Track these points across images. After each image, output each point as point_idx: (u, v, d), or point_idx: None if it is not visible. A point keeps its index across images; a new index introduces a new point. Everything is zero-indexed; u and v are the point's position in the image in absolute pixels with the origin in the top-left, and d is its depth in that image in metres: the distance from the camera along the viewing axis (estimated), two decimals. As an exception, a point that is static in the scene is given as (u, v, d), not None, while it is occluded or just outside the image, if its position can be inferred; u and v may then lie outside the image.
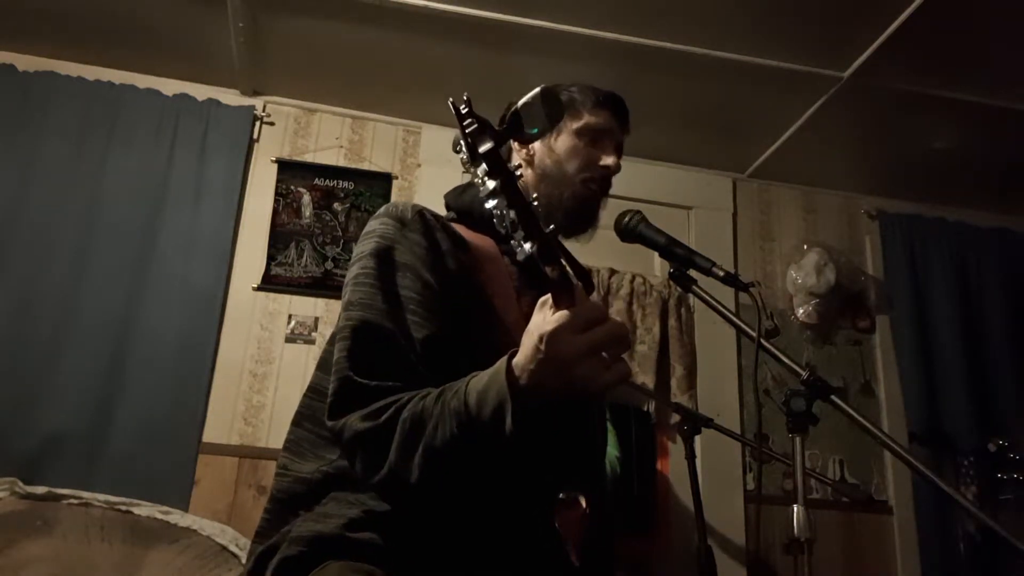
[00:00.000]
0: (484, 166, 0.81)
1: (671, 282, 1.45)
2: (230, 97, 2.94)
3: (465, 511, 1.00)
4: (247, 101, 2.95)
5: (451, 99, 0.85)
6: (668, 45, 2.51)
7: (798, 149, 3.03)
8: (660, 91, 2.75)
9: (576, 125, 1.32)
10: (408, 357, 1.02)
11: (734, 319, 1.30)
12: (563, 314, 0.83)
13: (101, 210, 2.68)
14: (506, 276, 1.18)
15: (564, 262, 0.84)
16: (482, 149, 0.81)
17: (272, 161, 2.92)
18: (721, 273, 1.30)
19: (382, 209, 1.19)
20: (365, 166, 2.99)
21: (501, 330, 1.10)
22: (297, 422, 1.16)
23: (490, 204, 0.81)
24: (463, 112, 0.83)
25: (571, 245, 1.19)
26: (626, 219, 1.39)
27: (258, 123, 2.95)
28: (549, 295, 0.85)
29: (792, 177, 3.26)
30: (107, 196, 2.70)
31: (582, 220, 1.31)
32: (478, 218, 1.24)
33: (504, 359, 0.89)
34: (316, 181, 2.92)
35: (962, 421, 2.96)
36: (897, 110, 2.75)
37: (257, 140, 2.94)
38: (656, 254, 1.39)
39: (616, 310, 2.85)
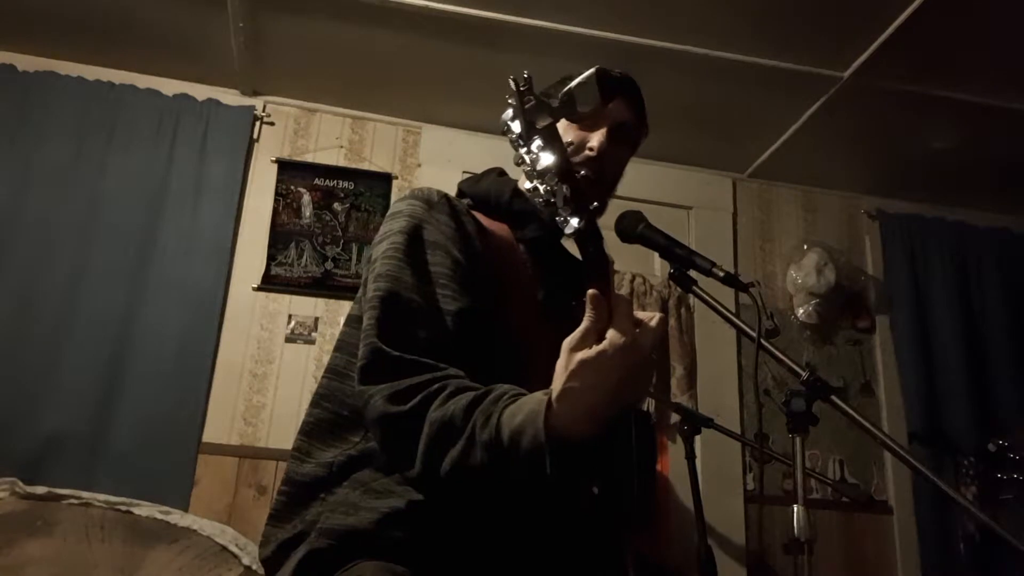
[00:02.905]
0: (539, 141, 0.83)
1: (671, 282, 1.45)
2: (230, 97, 2.94)
3: (496, 509, 0.99)
4: (247, 101, 2.95)
5: (512, 77, 0.86)
6: (668, 45, 2.51)
7: (798, 149, 3.03)
8: (660, 91, 2.72)
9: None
10: (436, 331, 1.02)
11: (734, 319, 1.30)
12: (599, 348, 0.81)
13: (101, 210, 2.68)
14: (522, 263, 1.19)
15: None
16: (540, 125, 0.83)
17: (272, 161, 2.92)
18: (721, 273, 1.29)
19: (408, 192, 1.21)
20: (365, 166, 2.99)
21: (518, 316, 1.11)
22: (316, 403, 1.15)
23: (539, 181, 0.82)
24: (523, 89, 0.85)
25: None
26: (626, 219, 1.39)
27: (258, 123, 2.95)
28: (587, 298, 0.83)
29: (792, 177, 3.26)
30: (107, 196, 2.70)
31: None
32: (494, 205, 1.25)
33: (543, 400, 0.85)
34: (316, 181, 2.92)
35: (962, 421, 2.96)
36: (897, 110, 2.75)
37: (257, 140, 2.94)
38: (656, 254, 1.38)
39: (616, 310, 2.85)
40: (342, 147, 3.00)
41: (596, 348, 0.81)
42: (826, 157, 3.11)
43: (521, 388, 0.93)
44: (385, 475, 1.02)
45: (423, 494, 0.99)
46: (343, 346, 1.16)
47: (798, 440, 1.23)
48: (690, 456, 2.25)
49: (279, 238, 2.84)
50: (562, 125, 1.29)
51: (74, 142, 2.73)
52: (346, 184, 2.93)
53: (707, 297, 1.32)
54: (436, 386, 0.95)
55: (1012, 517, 2.77)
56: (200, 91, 2.90)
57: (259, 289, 2.77)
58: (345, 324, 1.18)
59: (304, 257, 2.83)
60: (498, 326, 1.08)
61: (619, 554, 1.17)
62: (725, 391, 2.93)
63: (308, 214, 2.88)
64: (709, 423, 2.26)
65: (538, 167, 0.83)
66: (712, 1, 2.34)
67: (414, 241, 1.10)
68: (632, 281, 2.90)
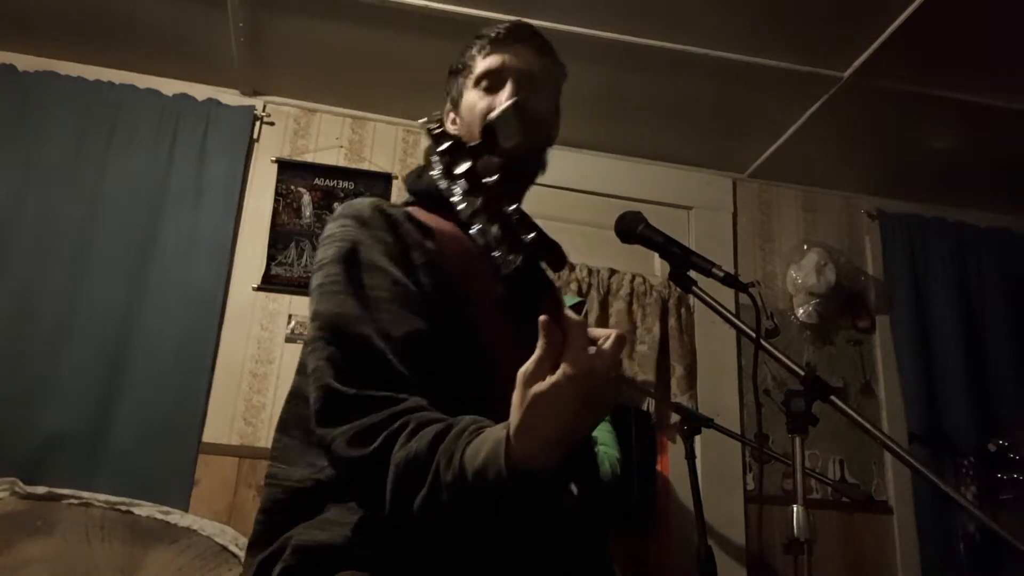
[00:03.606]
0: (462, 184, 0.79)
1: (671, 282, 1.45)
2: (230, 97, 2.94)
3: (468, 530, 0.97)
4: (247, 101, 2.95)
5: (421, 120, 0.83)
6: (668, 45, 2.51)
7: (798, 149, 3.02)
8: (660, 91, 2.75)
9: (471, 79, 1.27)
10: (387, 360, 0.98)
11: (734, 319, 1.30)
12: (553, 380, 0.78)
13: (101, 210, 2.68)
14: (473, 257, 1.11)
15: (544, 264, 0.81)
16: (458, 170, 0.79)
17: (272, 161, 2.92)
18: (721, 274, 1.29)
19: (338, 211, 1.14)
20: (365, 166, 2.99)
21: (478, 315, 1.07)
22: (282, 428, 1.12)
23: (474, 224, 0.78)
24: (437, 133, 0.81)
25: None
26: (626, 220, 1.38)
27: (258, 123, 2.95)
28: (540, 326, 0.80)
29: (792, 177, 3.26)
30: (107, 196, 2.70)
31: (515, 179, 1.21)
32: (437, 199, 1.14)
33: (502, 437, 0.83)
34: (316, 181, 2.92)
35: (962, 421, 2.96)
36: (897, 110, 2.75)
37: (257, 140, 2.94)
38: (656, 254, 1.38)
39: (616, 310, 2.85)
40: (342, 147, 3.00)
41: (550, 380, 0.78)
42: (826, 157, 3.11)
43: (486, 403, 0.90)
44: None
45: (400, 530, 0.96)
46: (304, 368, 1.10)
47: (798, 440, 1.23)
48: (690, 456, 2.24)
49: (279, 238, 2.84)
50: (468, 99, 1.25)
51: (74, 142, 2.73)
52: (346, 184, 2.93)
53: (707, 297, 1.32)
54: (397, 424, 0.91)
55: (1012, 517, 2.77)
56: (200, 91, 2.90)
57: (259, 289, 2.77)
58: (304, 347, 1.12)
59: (304, 257, 2.83)
60: (458, 326, 1.05)
61: (603, 556, 1.16)
62: (725, 391, 2.93)
63: (308, 214, 2.88)
64: (709, 423, 2.26)
65: (463, 215, 0.79)
66: (712, 1, 2.34)
67: (350, 267, 1.04)
68: (632, 281, 2.90)
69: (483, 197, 0.78)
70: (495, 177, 0.79)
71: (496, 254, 0.77)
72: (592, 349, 0.81)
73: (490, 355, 1.04)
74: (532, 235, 0.77)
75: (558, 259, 0.82)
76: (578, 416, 0.80)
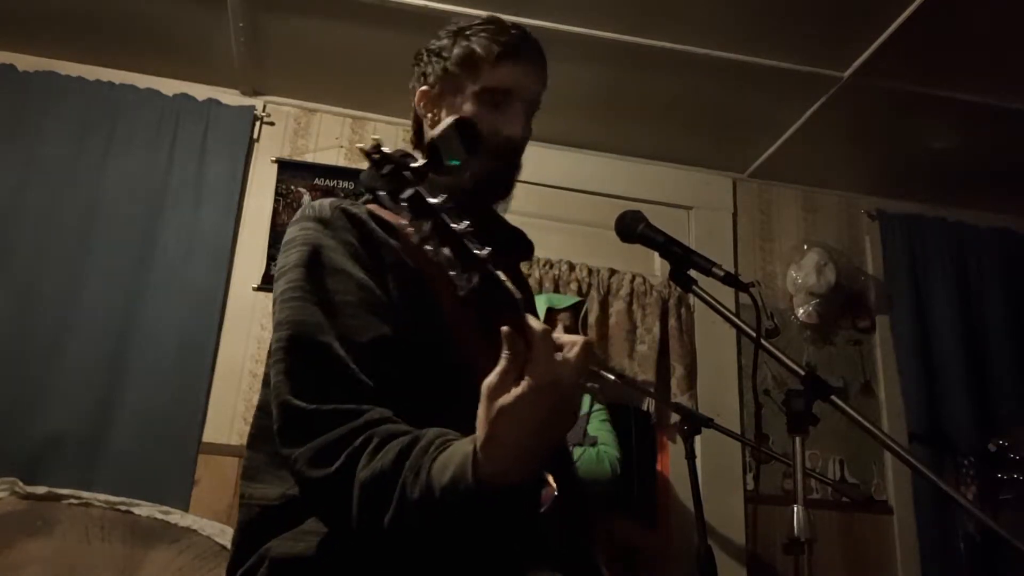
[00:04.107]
0: (409, 213, 0.76)
1: (671, 282, 1.45)
2: (230, 97, 2.94)
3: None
4: (247, 101, 2.95)
5: (360, 146, 0.79)
6: (668, 45, 2.51)
7: (798, 149, 3.02)
8: (660, 91, 2.75)
9: (476, 88, 1.17)
10: (349, 369, 0.94)
11: (734, 319, 1.30)
12: (517, 392, 0.77)
13: (101, 210, 2.68)
14: None
15: (505, 278, 0.78)
16: (403, 196, 0.77)
17: (272, 161, 2.91)
18: (721, 273, 1.29)
19: (298, 214, 1.11)
20: (365, 166, 2.98)
21: (447, 318, 1.04)
22: (251, 444, 1.08)
23: (426, 247, 0.76)
24: (377, 159, 0.78)
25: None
26: (626, 219, 1.38)
27: (258, 123, 2.95)
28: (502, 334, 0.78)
29: (792, 177, 3.26)
30: (107, 196, 2.69)
31: (490, 191, 1.20)
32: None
33: (469, 452, 0.81)
34: (316, 181, 2.92)
35: (962, 421, 2.96)
36: (897, 110, 2.75)
37: (257, 140, 2.94)
38: (656, 254, 1.38)
39: (616, 310, 2.85)
40: (342, 147, 3.00)
41: (515, 393, 0.77)
42: (826, 157, 3.11)
43: (455, 411, 0.88)
44: None
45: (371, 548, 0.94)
46: (268, 381, 1.06)
47: (798, 440, 1.22)
48: (690, 456, 2.24)
49: (279, 238, 2.82)
50: (468, 108, 1.17)
51: (74, 142, 2.73)
52: (346, 184, 2.93)
53: (707, 297, 1.32)
54: (359, 440, 0.88)
55: (1012, 517, 2.77)
56: (200, 91, 2.90)
57: (259, 289, 2.77)
58: (267, 364, 1.09)
59: (304, 257, 2.82)
60: (426, 330, 1.03)
61: (589, 555, 1.15)
62: (725, 391, 2.93)
63: (308, 214, 2.88)
64: (709, 423, 2.26)
65: (415, 238, 0.77)
66: (712, 1, 2.34)
67: (313, 272, 1.01)
68: (632, 281, 2.90)
69: (430, 221, 0.75)
70: (439, 200, 0.76)
71: (452, 274, 0.76)
72: (559, 356, 0.79)
73: (460, 360, 1.01)
74: (485, 252, 0.76)
75: (524, 252, 0.81)
76: (545, 427, 0.79)
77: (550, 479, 0.90)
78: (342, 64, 2.77)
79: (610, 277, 2.89)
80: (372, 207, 1.12)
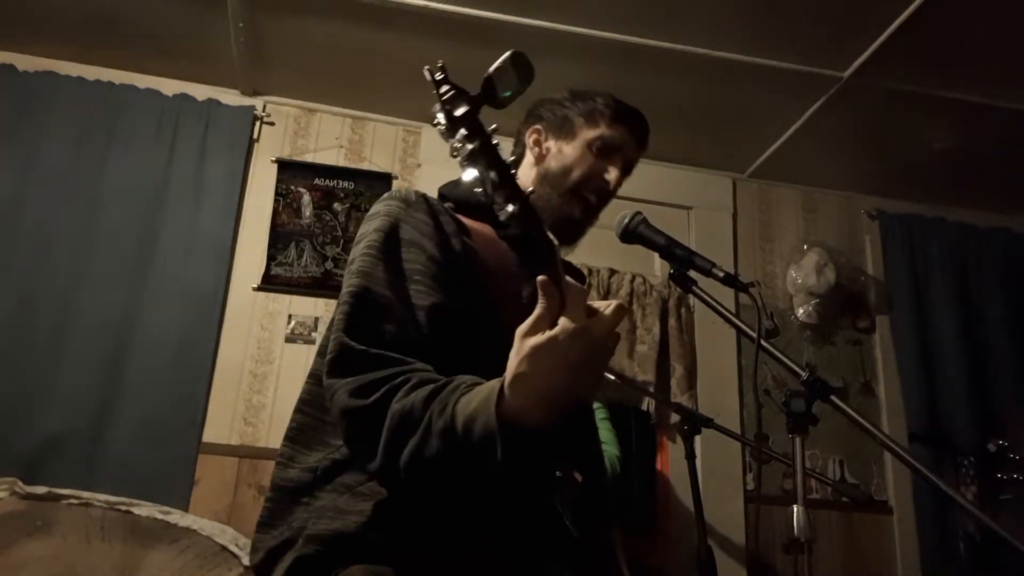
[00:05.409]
0: (462, 131, 0.82)
1: (671, 282, 1.45)
2: (230, 97, 2.94)
3: (479, 505, 0.98)
4: (247, 101, 2.95)
5: (426, 67, 0.86)
6: (668, 45, 2.51)
7: (798, 149, 3.03)
8: (660, 91, 2.75)
9: (591, 135, 1.34)
10: (406, 327, 1.02)
11: (734, 319, 1.31)
12: (551, 333, 0.82)
13: (101, 210, 2.68)
14: (507, 260, 1.15)
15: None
16: (458, 112, 0.83)
17: (272, 161, 2.92)
18: (721, 274, 1.30)
19: (386, 194, 1.20)
20: (365, 166, 2.99)
21: (503, 312, 1.08)
22: (299, 408, 1.15)
23: (470, 170, 0.82)
24: (439, 79, 0.85)
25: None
26: (626, 219, 1.39)
27: (258, 123, 2.95)
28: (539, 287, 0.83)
29: (792, 177, 3.26)
30: (107, 196, 2.70)
31: (567, 229, 1.31)
32: (475, 206, 1.23)
33: (495, 386, 0.85)
34: (316, 181, 2.92)
35: (962, 421, 2.96)
36: (897, 110, 2.75)
37: (257, 140, 2.94)
38: (656, 254, 1.39)
39: (616, 310, 2.85)
40: (342, 147, 3.00)
41: (548, 333, 0.81)
42: (826, 157, 3.11)
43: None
44: (369, 478, 1.02)
45: (390, 491, 0.99)
46: (324, 351, 1.14)
47: (798, 440, 1.23)
48: (690, 456, 2.24)
49: (279, 238, 2.84)
50: (577, 150, 1.32)
51: (74, 142, 2.73)
52: (346, 184, 2.93)
53: (707, 297, 1.32)
54: (400, 379, 0.94)
55: (1012, 517, 2.77)
56: (200, 91, 2.90)
57: (259, 289, 2.77)
58: (328, 329, 1.17)
59: (304, 257, 2.83)
60: (482, 323, 1.08)
61: (609, 548, 1.16)
62: (725, 391, 2.93)
63: (308, 214, 2.88)
64: (709, 423, 2.26)
65: (461, 157, 0.82)
66: (712, 1, 2.34)
67: (390, 239, 1.10)
68: (632, 281, 2.90)
69: (479, 140, 0.83)
70: (491, 128, 0.83)
71: (495, 198, 0.82)
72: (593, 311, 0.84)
73: (508, 344, 1.05)
74: (529, 189, 0.82)
75: (547, 252, 0.85)
76: (572, 374, 0.82)
77: (576, 476, 0.92)
78: (342, 64, 2.77)
79: (610, 277, 2.89)
80: (450, 207, 1.23)
